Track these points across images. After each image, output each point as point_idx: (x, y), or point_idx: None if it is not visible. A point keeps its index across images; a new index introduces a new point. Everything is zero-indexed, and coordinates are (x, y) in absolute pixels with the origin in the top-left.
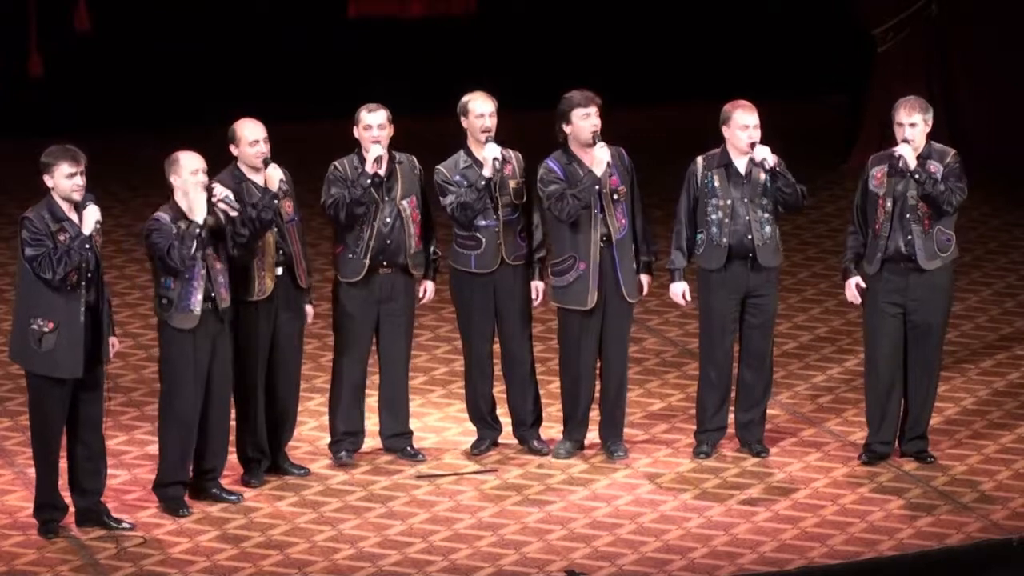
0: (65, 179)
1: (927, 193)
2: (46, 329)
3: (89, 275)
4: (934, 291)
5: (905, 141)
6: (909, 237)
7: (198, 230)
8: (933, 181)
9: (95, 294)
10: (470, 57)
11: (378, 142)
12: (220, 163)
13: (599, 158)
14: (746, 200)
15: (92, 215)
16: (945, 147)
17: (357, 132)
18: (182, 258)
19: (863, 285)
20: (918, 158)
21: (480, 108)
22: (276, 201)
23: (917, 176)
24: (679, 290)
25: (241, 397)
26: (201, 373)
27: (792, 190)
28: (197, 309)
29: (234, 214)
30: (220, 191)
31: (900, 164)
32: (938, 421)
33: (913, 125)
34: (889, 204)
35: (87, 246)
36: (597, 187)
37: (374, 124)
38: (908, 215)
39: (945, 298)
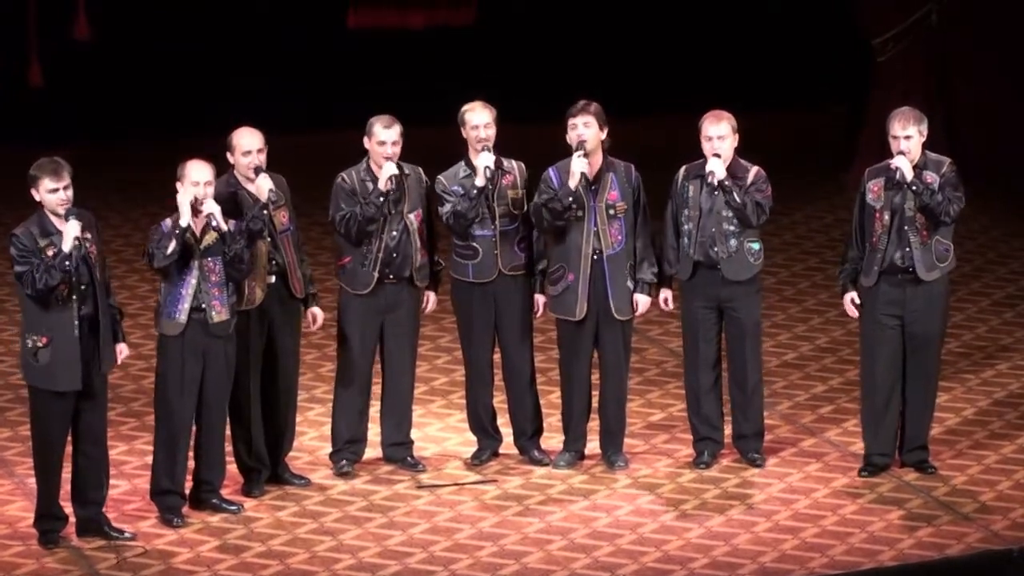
0: (48, 194)
1: (925, 204)
2: (40, 344)
3: (83, 287)
4: (931, 302)
5: (900, 153)
6: (907, 249)
7: (177, 231)
8: (931, 192)
9: (92, 305)
10: (471, 67)
11: (391, 158)
12: (220, 172)
13: (573, 170)
14: (714, 212)
15: (71, 231)
16: (941, 156)
17: (368, 144)
18: (159, 256)
19: (858, 301)
20: (914, 169)
21: (475, 119)
22: (265, 211)
23: (915, 188)
24: (661, 296)
25: (235, 406)
26: (190, 383)
27: (740, 205)
28: (182, 317)
29: (223, 229)
30: (208, 207)
31: (897, 176)
32: (938, 431)
33: (908, 137)
34: (887, 217)
35: (67, 263)
36: (571, 199)
37: (388, 140)
38: (906, 227)
39: (942, 308)
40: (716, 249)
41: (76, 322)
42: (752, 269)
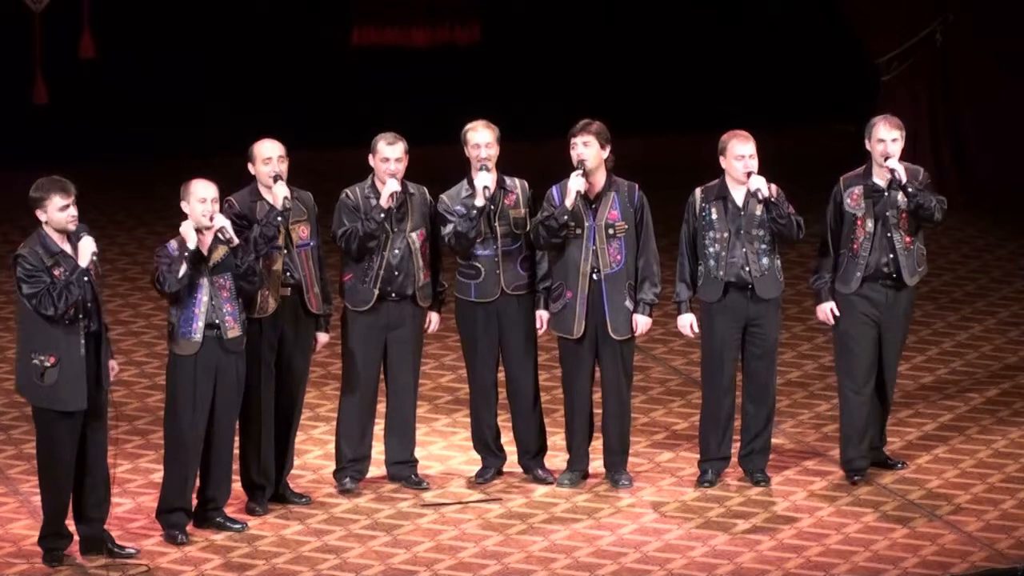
0: (58, 212)
1: (919, 204)
2: (47, 364)
3: (89, 305)
4: (908, 306)
5: (889, 156)
6: (891, 255)
7: (187, 253)
8: (924, 194)
9: (97, 323)
10: (475, 85)
11: (394, 175)
12: (224, 192)
13: (569, 188)
14: (743, 232)
15: (88, 247)
16: (914, 165)
17: (373, 161)
18: (171, 281)
19: (837, 312)
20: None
21: (475, 139)
22: (280, 218)
23: (909, 190)
24: (686, 322)
25: (246, 420)
26: (203, 401)
27: (786, 221)
28: (198, 336)
29: (235, 242)
30: (218, 221)
31: (895, 176)
32: (944, 450)
33: (895, 140)
34: (870, 224)
35: (85, 278)
36: (566, 217)
37: (392, 157)
38: (890, 233)
39: (910, 311)
40: (748, 269)
41: (83, 341)
42: (780, 286)
